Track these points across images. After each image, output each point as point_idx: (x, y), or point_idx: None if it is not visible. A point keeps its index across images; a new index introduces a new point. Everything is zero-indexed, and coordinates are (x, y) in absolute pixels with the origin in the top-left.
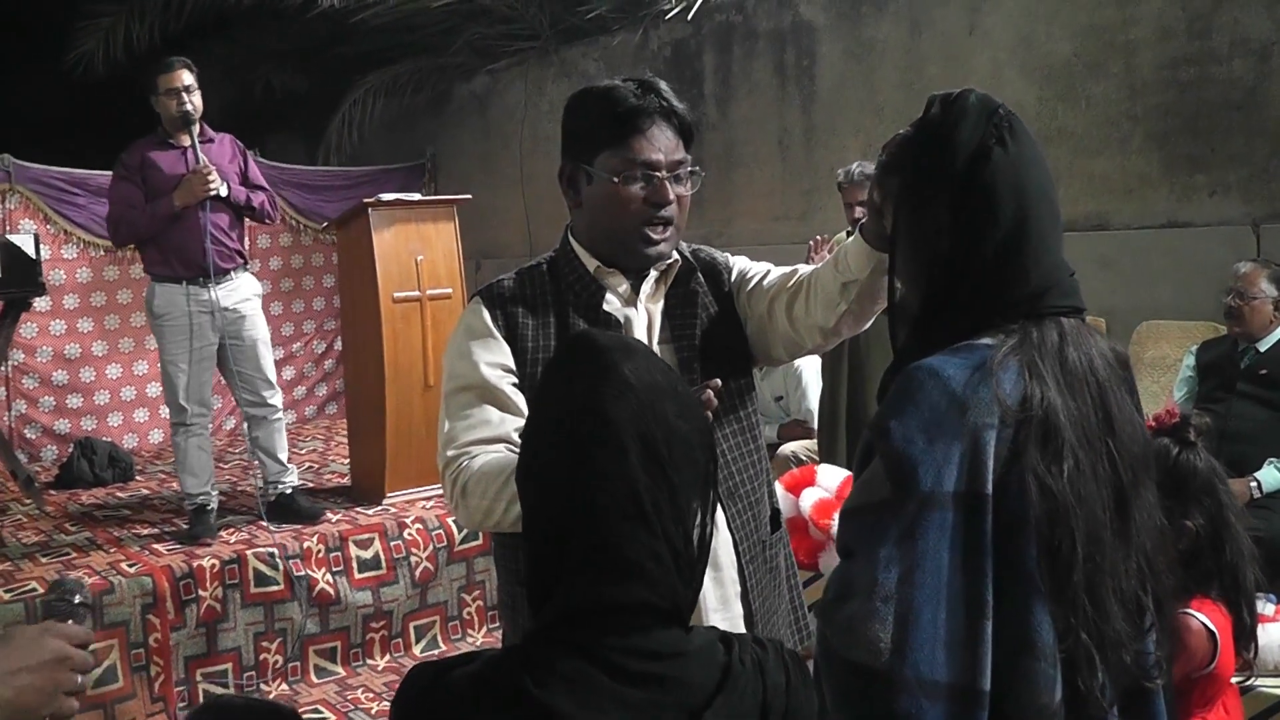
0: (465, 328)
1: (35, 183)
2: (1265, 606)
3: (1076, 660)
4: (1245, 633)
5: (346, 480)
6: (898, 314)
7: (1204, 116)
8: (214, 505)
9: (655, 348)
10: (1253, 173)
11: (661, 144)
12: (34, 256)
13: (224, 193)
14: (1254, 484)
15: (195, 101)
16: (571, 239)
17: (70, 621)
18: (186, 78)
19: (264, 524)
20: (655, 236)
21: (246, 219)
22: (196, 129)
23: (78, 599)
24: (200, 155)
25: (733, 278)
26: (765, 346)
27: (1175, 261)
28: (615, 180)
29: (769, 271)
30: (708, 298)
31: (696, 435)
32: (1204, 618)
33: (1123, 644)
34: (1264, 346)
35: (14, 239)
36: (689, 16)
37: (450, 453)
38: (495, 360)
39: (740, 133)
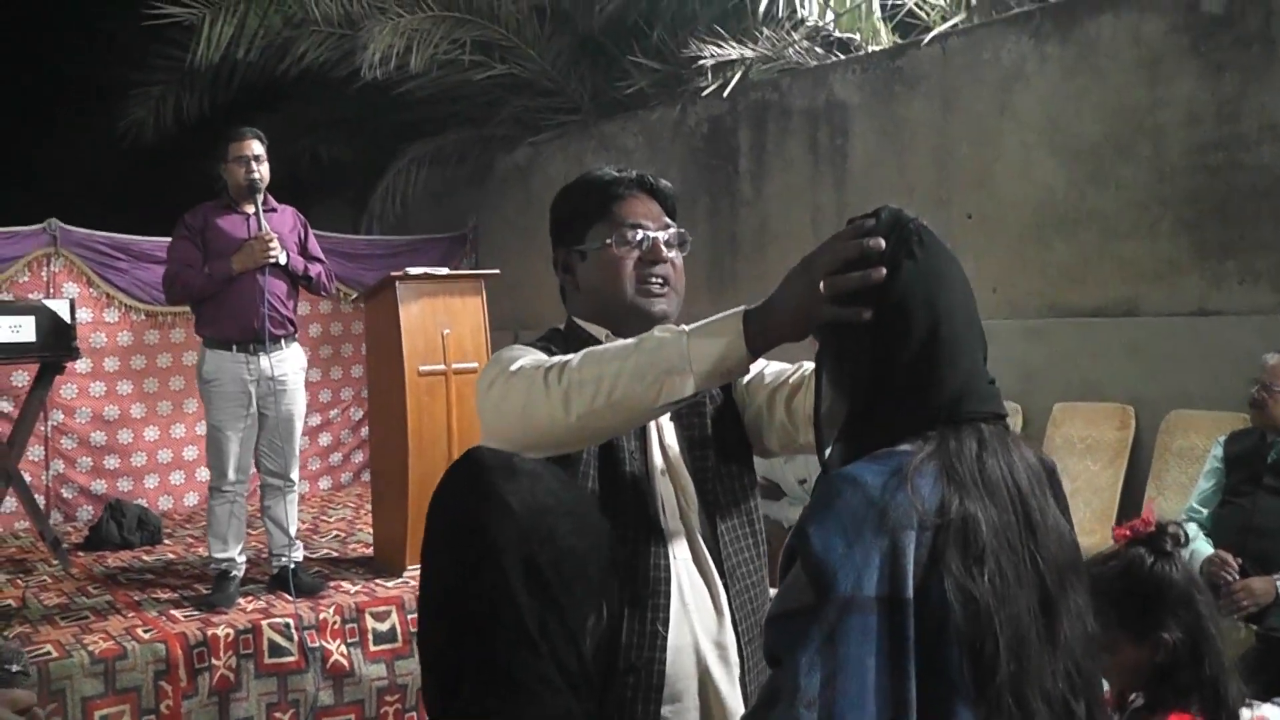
0: (509, 348)
1: (80, 247)
2: (1275, 712)
3: None
4: None
5: (370, 551)
6: (823, 426)
7: (1233, 202)
8: (238, 574)
9: (667, 425)
10: None
11: (645, 209)
12: (69, 321)
13: (283, 261)
14: None
15: (263, 171)
16: (576, 322)
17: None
18: (256, 148)
19: (283, 593)
20: (656, 291)
21: (301, 289)
22: (261, 197)
23: (15, 668)
24: (263, 222)
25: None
26: (760, 437)
27: (1205, 350)
28: (608, 243)
29: (769, 365)
30: None
31: (593, 551)
32: None
33: None
34: None
35: (50, 304)
36: (724, 94)
37: (546, 361)
38: None
39: (774, 209)
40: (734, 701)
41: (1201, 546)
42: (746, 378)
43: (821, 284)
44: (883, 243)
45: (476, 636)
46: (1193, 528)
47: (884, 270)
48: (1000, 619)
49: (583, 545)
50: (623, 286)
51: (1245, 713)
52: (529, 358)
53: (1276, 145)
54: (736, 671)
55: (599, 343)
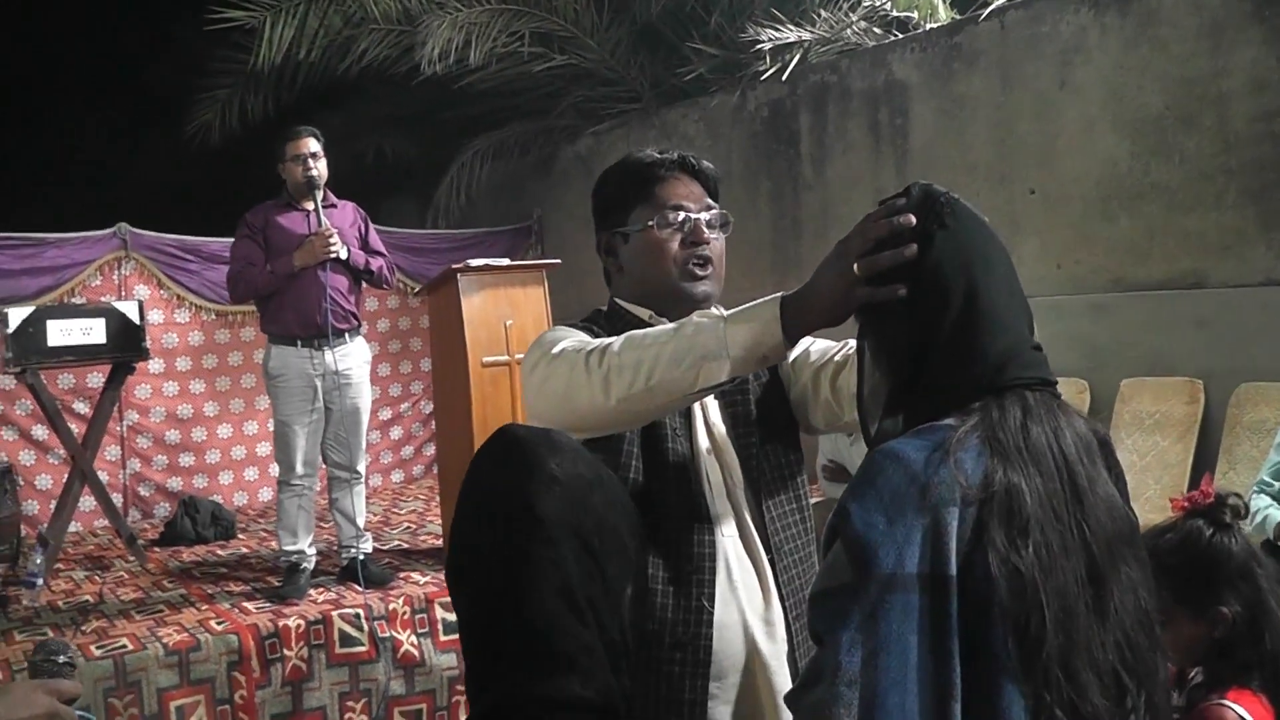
0: (553, 330)
1: (150, 249)
2: None
3: None
4: None
5: (440, 542)
6: (865, 406)
7: None
8: (308, 565)
9: (711, 404)
10: None
11: (687, 190)
12: (138, 322)
13: (344, 256)
14: None
15: (320, 168)
16: (619, 303)
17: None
18: (313, 145)
19: (353, 585)
20: (699, 273)
21: (363, 284)
22: (320, 194)
23: (62, 659)
24: (323, 218)
25: None
26: (805, 414)
27: (1274, 321)
28: (650, 225)
29: (814, 342)
30: None
31: (625, 524)
32: (1241, 710)
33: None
34: None
35: (119, 305)
36: (784, 77)
37: (588, 344)
38: None
39: (836, 193)
40: (782, 678)
41: (1274, 514)
42: (792, 356)
43: (855, 266)
44: (913, 219)
45: (523, 609)
46: (1264, 499)
47: (915, 246)
48: (1046, 592)
49: (615, 517)
50: (665, 268)
51: None
52: (571, 340)
53: None
54: (784, 648)
55: (642, 324)
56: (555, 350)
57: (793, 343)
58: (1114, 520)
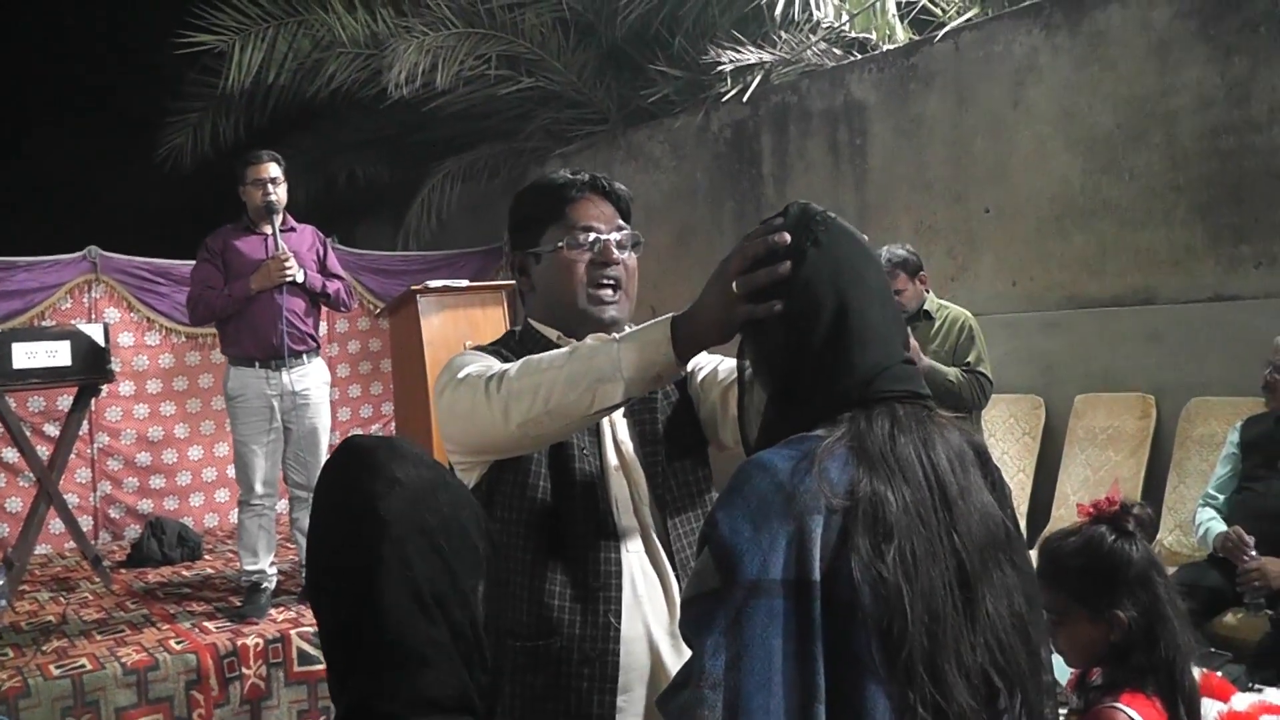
0: (463, 352)
1: (119, 273)
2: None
3: None
4: None
5: None
6: (746, 419)
7: (1246, 185)
8: (269, 585)
9: (620, 421)
10: None
11: (598, 211)
12: (103, 345)
13: (300, 279)
14: None
15: (280, 193)
16: (531, 323)
17: None
18: (273, 170)
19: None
20: (607, 297)
21: (323, 306)
22: (279, 218)
23: None
24: (280, 242)
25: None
26: (715, 432)
27: (1223, 335)
28: (560, 246)
29: (722, 361)
30: None
31: (472, 523)
32: (1132, 712)
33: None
34: None
35: (84, 328)
36: (745, 98)
37: (490, 369)
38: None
39: None
40: None
41: (1215, 526)
42: (700, 375)
43: (734, 284)
44: (788, 237)
45: (374, 608)
46: (1208, 511)
47: (789, 263)
48: (909, 597)
49: (463, 517)
50: (573, 289)
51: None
52: (477, 365)
53: None
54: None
55: (551, 345)
56: (460, 375)
57: (684, 362)
58: (988, 527)
